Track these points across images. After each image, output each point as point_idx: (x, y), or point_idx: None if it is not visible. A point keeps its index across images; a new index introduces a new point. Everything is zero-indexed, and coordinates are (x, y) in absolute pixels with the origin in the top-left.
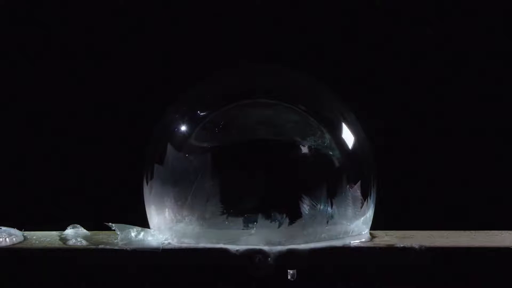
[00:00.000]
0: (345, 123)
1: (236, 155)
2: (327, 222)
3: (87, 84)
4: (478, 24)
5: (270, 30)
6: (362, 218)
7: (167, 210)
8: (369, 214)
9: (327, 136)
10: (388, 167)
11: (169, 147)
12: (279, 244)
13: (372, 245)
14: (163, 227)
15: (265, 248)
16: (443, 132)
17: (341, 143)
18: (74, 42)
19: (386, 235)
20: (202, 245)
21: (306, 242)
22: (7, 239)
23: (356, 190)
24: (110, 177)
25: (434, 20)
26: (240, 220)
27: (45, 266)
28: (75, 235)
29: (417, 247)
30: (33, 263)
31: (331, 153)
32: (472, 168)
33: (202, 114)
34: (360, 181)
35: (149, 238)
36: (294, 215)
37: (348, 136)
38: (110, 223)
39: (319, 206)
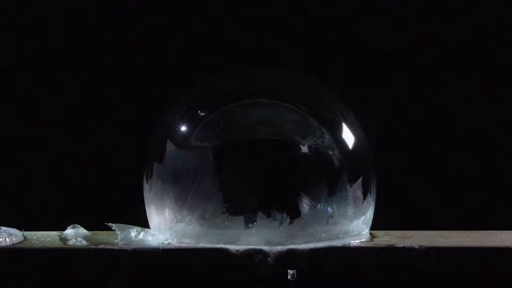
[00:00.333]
0: (345, 123)
1: (236, 155)
2: (327, 222)
3: (87, 84)
4: (478, 24)
5: (270, 30)
6: (362, 218)
7: (167, 210)
8: (369, 214)
9: (327, 135)
10: (388, 167)
11: (169, 147)
12: (279, 244)
13: (372, 245)
14: (163, 227)
15: (265, 248)
16: (443, 132)
17: (341, 142)
18: (75, 42)
19: (386, 235)
20: (202, 245)
21: (306, 242)
22: (7, 239)
23: (356, 190)
24: (110, 177)
25: (434, 20)
26: (240, 220)
27: (45, 266)
28: (75, 235)
29: (417, 247)
30: (33, 263)
31: (331, 152)
32: (472, 168)
33: (202, 114)
34: (360, 181)
35: (149, 238)
36: (294, 215)
37: (348, 136)
38: (110, 223)
39: (319, 206)
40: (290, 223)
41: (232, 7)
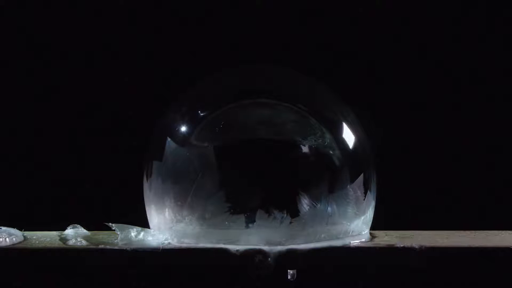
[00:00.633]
0: (345, 123)
1: (236, 155)
2: (327, 222)
3: (88, 84)
4: (477, 24)
5: (270, 30)
6: (362, 218)
7: (167, 210)
8: (369, 214)
9: (327, 135)
10: (388, 167)
11: (170, 147)
12: (279, 244)
13: (372, 245)
14: (163, 227)
15: (265, 248)
16: (443, 132)
17: (341, 142)
18: (75, 42)
19: (386, 235)
20: (202, 245)
21: (306, 242)
22: (7, 239)
23: (356, 190)
24: (110, 177)
25: (434, 20)
26: (240, 220)
27: (45, 266)
28: (75, 235)
29: (417, 247)
30: (33, 263)
31: (331, 152)
32: (472, 168)
33: (202, 113)
34: (360, 180)
35: (149, 238)
36: (294, 215)
37: (348, 136)
38: (110, 223)
39: (319, 205)
40: (290, 222)
41: (232, 7)
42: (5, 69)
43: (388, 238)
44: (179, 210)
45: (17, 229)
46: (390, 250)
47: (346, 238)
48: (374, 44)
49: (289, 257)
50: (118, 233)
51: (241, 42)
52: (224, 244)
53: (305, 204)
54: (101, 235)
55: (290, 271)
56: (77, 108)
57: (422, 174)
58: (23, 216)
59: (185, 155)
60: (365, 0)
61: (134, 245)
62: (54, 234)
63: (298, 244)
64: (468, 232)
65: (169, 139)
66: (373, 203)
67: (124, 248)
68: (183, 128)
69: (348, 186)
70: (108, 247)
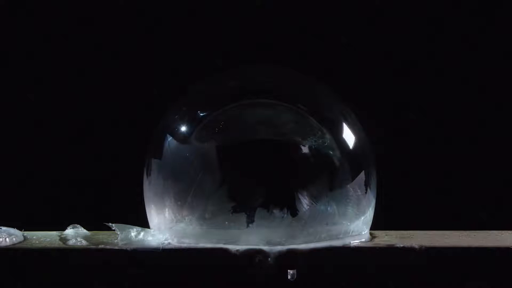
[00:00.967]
0: (345, 123)
1: (236, 155)
2: (327, 222)
3: (88, 84)
4: (477, 24)
5: (270, 30)
6: (362, 218)
7: (167, 210)
8: (369, 214)
9: (327, 136)
10: (388, 167)
11: (170, 147)
12: (279, 244)
13: (372, 245)
14: (163, 227)
15: (265, 248)
16: (443, 132)
17: (341, 143)
18: (75, 42)
19: (386, 235)
20: (202, 245)
21: (306, 242)
22: (7, 239)
23: (356, 190)
24: (110, 177)
25: (434, 20)
26: (240, 220)
27: (45, 266)
28: (75, 235)
29: (417, 247)
30: (33, 263)
31: (331, 152)
32: (472, 168)
33: (202, 114)
34: (360, 180)
35: (149, 238)
36: (295, 215)
37: (348, 136)
38: (110, 223)
39: (319, 205)
40: (290, 223)
41: (233, 7)
42: (5, 69)
43: (388, 238)
44: (179, 210)
45: (17, 229)
46: (390, 250)
47: (346, 238)
48: (374, 44)
49: (289, 257)
50: (118, 233)
51: (241, 42)
52: (224, 244)
53: (305, 204)
54: (101, 235)
55: (290, 271)
56: (77, 108)
57: (422, 174)
58: (23, 216)
59: (185, 155)
60: (365, 0)
61: (134, 245)
62: (54, 234)
63: (298, 244)
64: (468, 232)
65: (169, 139)
66: (373, 203)
67: (124, 248)
68: (183, 128)
69: (348, 186)
70: (108, 247)
